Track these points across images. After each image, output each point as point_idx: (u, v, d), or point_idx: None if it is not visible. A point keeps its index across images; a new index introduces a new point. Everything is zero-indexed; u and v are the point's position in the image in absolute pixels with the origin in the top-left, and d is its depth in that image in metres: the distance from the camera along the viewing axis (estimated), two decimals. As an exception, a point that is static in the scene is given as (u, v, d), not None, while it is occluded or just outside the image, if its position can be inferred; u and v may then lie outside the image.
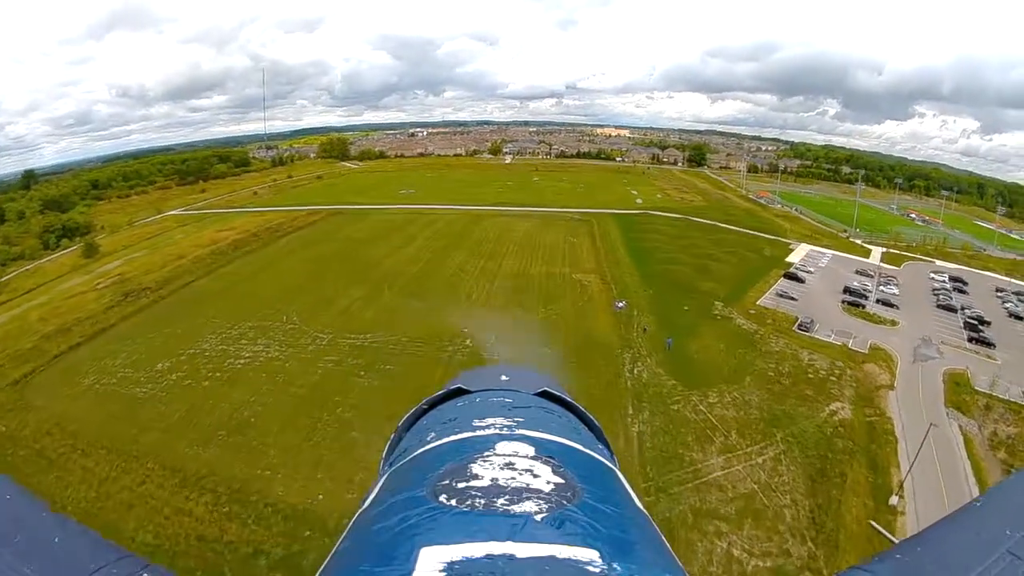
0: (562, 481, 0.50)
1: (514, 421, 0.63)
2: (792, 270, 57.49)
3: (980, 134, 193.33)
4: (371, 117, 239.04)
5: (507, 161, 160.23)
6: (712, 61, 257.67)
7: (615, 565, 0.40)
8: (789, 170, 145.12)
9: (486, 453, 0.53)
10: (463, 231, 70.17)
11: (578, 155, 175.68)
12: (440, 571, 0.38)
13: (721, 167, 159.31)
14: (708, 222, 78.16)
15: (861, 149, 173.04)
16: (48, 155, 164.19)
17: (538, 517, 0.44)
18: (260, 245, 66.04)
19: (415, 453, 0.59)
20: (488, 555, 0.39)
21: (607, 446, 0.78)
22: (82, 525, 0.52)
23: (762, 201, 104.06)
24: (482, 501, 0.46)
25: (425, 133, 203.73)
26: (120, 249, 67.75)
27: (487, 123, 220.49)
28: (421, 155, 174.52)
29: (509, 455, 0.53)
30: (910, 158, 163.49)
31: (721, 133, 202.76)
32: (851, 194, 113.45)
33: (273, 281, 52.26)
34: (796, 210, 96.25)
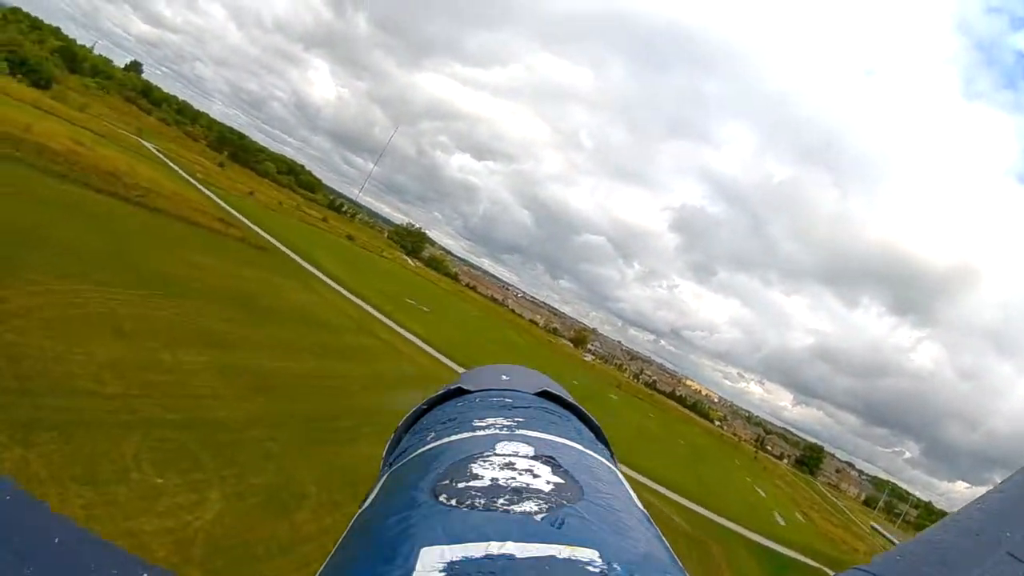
0: (562, 481, 0.49)
1: (514, 421, 0.62)
2: None
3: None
4: (487, 264, 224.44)
5: (587, 359, 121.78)
6: (816, 363, 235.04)
7: (615, 565, 0.38)
8: (909, 519, 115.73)
9: (486, 453, 0.52)
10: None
11: (672, 395, 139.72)
12: (440, 571, 0.36)
13: (830, 483, 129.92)
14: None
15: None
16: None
17: (538, 517, 0.43)
18: None
19: (415, 453, 0.58)
20: (488, 555, 0.37)
21: (607, 446, 0.75)
22: (82, 527, 0.51)
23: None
24: (482, 501, 0.45)
25: (518, 295, 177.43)
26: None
27: (582, 325, 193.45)
28: (493, 300, 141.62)
29: (509, 455, 0.52)
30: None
31: (793, 434, 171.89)
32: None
33: None
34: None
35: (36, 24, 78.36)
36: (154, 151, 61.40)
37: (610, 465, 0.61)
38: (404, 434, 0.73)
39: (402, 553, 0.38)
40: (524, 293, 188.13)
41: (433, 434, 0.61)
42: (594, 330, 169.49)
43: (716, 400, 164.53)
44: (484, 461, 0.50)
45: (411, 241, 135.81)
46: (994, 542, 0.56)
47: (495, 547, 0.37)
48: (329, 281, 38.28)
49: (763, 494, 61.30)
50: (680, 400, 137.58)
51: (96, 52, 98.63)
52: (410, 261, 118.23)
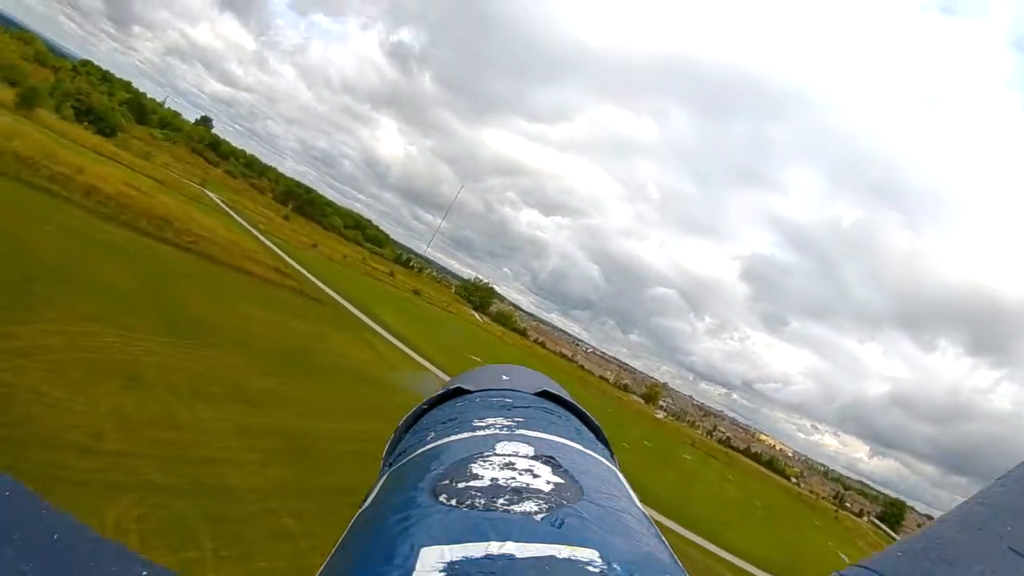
0: (562, 481, 0.49)
1: (514, 421, 0.61)
2: None
3: None
4: (556, 319, 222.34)
5: (659, 416, 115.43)
6: (893, 411, 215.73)
7: (615, 565, 0.38)
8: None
9: (486, 453, 0.52)
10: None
11: (746, 452, 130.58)
12: (440, 571, 0.36)
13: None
14: None
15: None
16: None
17: (538, 517, 0.42)
18: None
19: (415, 453, 0.58)
20: (488, 555, 0.37)
21: (607, 446, 0.74)
22: (82, 523, 0.49)
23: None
24: (482, 501, 0.45)
25: (587, 350, 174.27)
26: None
27: (653, 379, 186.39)
28: (562, 355, 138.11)
29: (509, 455, 0.52)
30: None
31: (871, 488, 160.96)
32: None
33: None
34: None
35: (107, 77, 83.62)
36: (217, 201, 63.73)
37: (610, 465, 0.61)
38: (404, 434, 0.72)
39: (402, 553, 0.38)
40: (594, 348, 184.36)
41: (433, 434, 0.61)
42: (665, 384, 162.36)
43: (791, 455, 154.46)
44: (484, 461, 0.50)
45: (479, 296, 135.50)
46: (995, 537, 0.55)
47: (495, 547, 0.37)
48: (388, 335, 37.03)
49: (847, 560, 53.48)
50: (755, 457, 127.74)
51: (167, 106, 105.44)
52: (477, 316, 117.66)
